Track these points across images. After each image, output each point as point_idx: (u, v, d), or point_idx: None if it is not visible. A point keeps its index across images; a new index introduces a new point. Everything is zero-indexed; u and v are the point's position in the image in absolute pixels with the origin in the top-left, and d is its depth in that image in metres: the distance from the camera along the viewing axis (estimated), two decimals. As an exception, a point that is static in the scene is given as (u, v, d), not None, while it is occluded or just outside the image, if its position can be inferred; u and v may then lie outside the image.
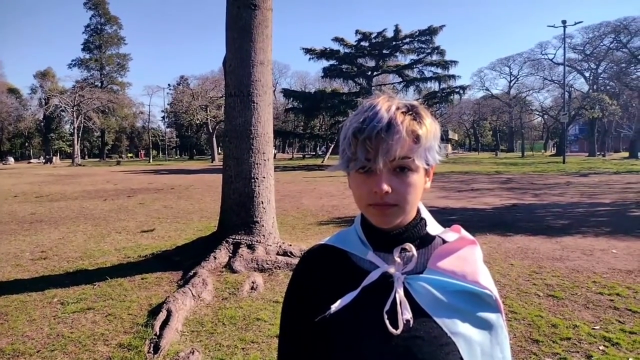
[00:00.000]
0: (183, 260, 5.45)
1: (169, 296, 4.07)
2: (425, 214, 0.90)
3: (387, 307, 0.79)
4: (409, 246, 0.83)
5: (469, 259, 0.87)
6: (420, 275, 0.83)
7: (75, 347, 3.33)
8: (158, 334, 3.40)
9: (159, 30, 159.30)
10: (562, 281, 4.84)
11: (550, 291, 4.51)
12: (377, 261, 0.84)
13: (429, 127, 0.82)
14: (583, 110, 46.73)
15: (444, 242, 0.89)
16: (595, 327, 3.61)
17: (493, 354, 0.81)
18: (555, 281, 4.84)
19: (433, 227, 0.90)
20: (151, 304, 4.12)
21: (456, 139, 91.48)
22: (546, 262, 5.62)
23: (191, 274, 4.73)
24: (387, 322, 0.77)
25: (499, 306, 0.85)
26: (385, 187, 0.77)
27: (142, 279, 4.95)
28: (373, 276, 0.82)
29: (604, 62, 52.36)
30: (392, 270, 0.82)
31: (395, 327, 0.77)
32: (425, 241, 0.88)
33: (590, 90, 51.53)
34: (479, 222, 8.52)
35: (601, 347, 3.26)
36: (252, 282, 4.63)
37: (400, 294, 0.80)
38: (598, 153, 51.55)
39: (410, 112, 0.81)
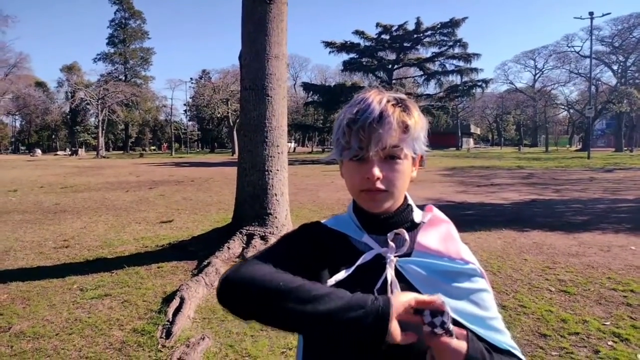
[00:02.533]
0: (198, 250, 5.57)
1: (182, 284, 4.19)
2: (411, 202, 0.98)
3: (378, 285, 0.86)
4: (402, 231, 0.90)
5: (450, 238, 0.93)
6: (410, 257, 0.90)
7: (92, 331, 3.47)
8: (171, 320, 3.51)
9: (181, 24, 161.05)
10: (576, 277, 4.79)
11: (563, 286, 4.47)
12: (371, 243, 0.92)
13: (417, 119, 0.89)
14: (610, 104, 45.54)
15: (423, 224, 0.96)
16: (606, 323, 3.57)
17: (484, 316, 0.87)
18: (568, 277, 4.79)
19: (417, 213, 0.98)
20: (165, 292, 4.25)
21: (478, 133, 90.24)
22: (561, 258, 5.56)
23: (205, 263, 4.85)
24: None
25: (483, 275, 0.91)
26: (377, 173, 0.85)
27: (158, 267, 5.09)
28: (367, 257, 0.90)
29: (633, 55, 50.80)
30: (384, 252, 0.89)
31: None
32: (412, 226, 0.95)
33: (618, 84, 50.11)
34: (495, 217, 8.44)
35: (610, 343, 3.23)
36: (264, 273, 4.71)
37: (391, 274, 0.87)
38: (625, 148, 50.14)
39: (399, 105, 0.88)
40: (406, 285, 0.86)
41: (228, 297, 0.84)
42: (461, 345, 0.77)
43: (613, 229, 7.33)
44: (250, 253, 5.21)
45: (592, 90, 43.04)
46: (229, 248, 5.25)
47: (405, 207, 0.96)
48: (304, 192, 12.94)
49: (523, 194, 12.42)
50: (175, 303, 3.75)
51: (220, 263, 4.84)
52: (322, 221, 1.03)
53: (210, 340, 3.22)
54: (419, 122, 0.89)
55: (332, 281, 0.87)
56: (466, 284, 0.88)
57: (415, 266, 0.88)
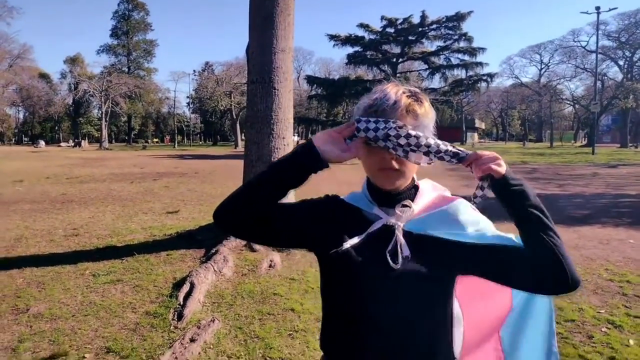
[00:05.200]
0: (205, 239, 5.71)
1: (192, 270, 4.33)
2: (418, 183, 1.12)
3: (389, 247, 1.02)
4: (409, 202, 1.06)
5: (443, 200, 1.12)
6: (413, 220, 1.06)
7: (106, 313, 3.62)
8: (182, 303, 3.66)
9: (184, 16, 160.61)
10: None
11: (561, 277, 4.59)
12: (381, 214, 1.07)
13: (427, 110, 1.03)
14: (616, 100, 45.32)
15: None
16: (601, 311, 3.70)
17: (486, 229, 1.07)
18: (567, 268, 4.91)
19: (424, 193, 1.12)
20: (175, 278, 4.39)
21: (483, 127, 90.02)
22: (560, 250, 5.66)
23: (213, 251, 4.99)
24: (389, 258, 1.00)
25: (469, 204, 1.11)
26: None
27: (167, 255, 5.24)
28: (376, 225, 1.05)
29: (639, 50, 50.49)
30: (393, 220, 1.05)
31: (395, 262, 1.00)
32: (416, 201, 1.09)
33: (625, 79, 49.81)
34: (497, 211, 8.50)
35: (604, 329, 3.36)
36: (270, 261, 4.85)
37: (400, 238, 1.02)
38: (630, 144, 49.96)
39: (412, 96, 1.03)
40: (420, 250, 1.02)
41: (219, 212, 1.08)
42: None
43: (613, 223, 7.43)
44: (257, 242, 5.35)
45: (597, 86, 42.83)
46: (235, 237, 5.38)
47: (412, 187, 1.10)
48: (306, 185, 13.03)
49: (525, 188, 12.50)
50: (185, 288, 3.89)
51: (228, 251, 4.98)
52: (341, 196, 1.18)
53: (219, 323, 3.37)
54: (429, 113, 1.03)
55: (347, 245, 1.02)
56: (462, 217, 1.06)
57: (419, 223, 1.05)
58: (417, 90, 1.06)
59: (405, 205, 1.05)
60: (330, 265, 1.09)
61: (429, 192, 1.12)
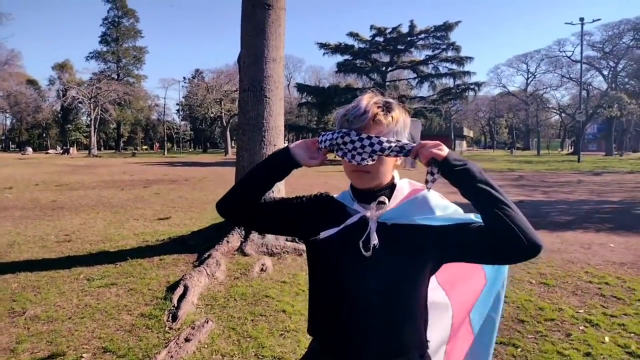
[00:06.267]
0: (198, 244, 5.80)
1: (185, 274, 4.42)
2: (397, 180, 1.26)
3: (363, 238, 1.16)
4: (384, 198, 1.19)
5: (412, 190, 1.26)
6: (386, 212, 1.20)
7: (102, 315, 3.70)
8: (176, 305, 3.76)
9: (174, 23, 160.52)
10: (555, 270, 5.09)
11: (543, 279, 4.77)
12: (359, 209, 1.21)
13: (396, 118, 1.16)
14: (601, 108, 46.12)
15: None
16: (579, 311, 3.87)
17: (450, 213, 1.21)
18: (549, 270, 5.09)
19: (401, 190, 1.25)
20: (169, 281, 4.48)
21: (471, 135, 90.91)
22: (543, 254, 5.81)
23: (206, 255, 5.09)
24: (361, 247, 1.14)
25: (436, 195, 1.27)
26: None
27: (160, 259, 5.32)
28: (354, 218, 1.20)
29: (623, 60, 51.59)
30: (368, 214, 1.19)
31: (367, 250, 1.14)
32: (394, 198, 1.23)
33: (609, 89, 50.80)
34: (483, 216, 8.72)
35: (581, 328, 3.52)
36: (262, 265, 4.96)
37: (372, 229, 1.16)
38: (615, 152, 50.89)
39: (382, 106, 1.16)
40: (392, 238, 1.15)
41: (220, 203, 1.30)
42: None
43: (595, 228, 7.66)
44: (249, 247, 5.46)
45: (583, 95, 43.66)
46: (228, 242, 5.49)
47: (391, 185, 1.24)
48: (297, 192, 13.01)
49: (511, 195, 12.69)
50: (179, 290, 3.99)
51: (220, 255, 5.08)
52: (332, 194, 1.34)
53: (213, 324, 3.47)
54: (398, 121, 1.16)
55: (324, 234, 1.18)
56: (431, 202, 1.20)
57: (393, 214, 1.18)
58: (391, 100, 1.19)
59: (381, 202, 1.19)
60: (313, 253, 1.27)
61: (406, 189, 1.25)
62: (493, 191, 1.06)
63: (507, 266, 1.45)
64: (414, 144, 1.12)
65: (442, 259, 1.20)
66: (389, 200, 1.20)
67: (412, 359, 1.19)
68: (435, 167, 1.10)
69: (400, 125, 1.17)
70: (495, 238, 1.06)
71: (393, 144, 1.11)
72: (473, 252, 1.15)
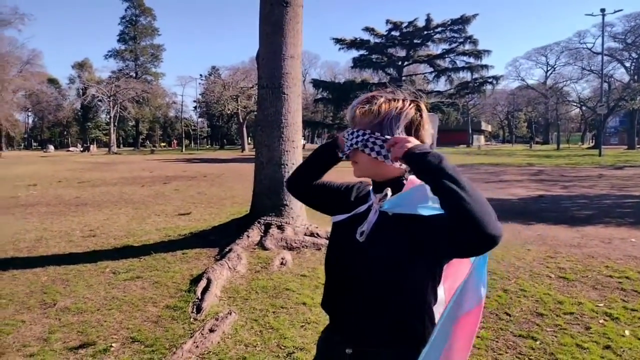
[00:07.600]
0: (219, 239, 5.93)
1: (208, 267, 4.55)
2: (407, 175, 1.30)
3: (362, 224, 1.26)
4: (387, 190, 1.28)
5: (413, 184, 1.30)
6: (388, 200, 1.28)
7: (129, 307, 3.83)
8: (200, 298, 3.87)
9: (191, 21, 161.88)
10: (575, 265, 5.07)
11: (562, 273, 4.76)
12: (372, 198, 1.31)
13: (382, 110, 1.22)
14: (623, 101, 45.10)
15: None
16: (599, 305, 3.87)
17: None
18: (568, 265, 5.07)
19: (410, 182, 1.30)
20: (192, 274, 4.60)
21: (490, 130, 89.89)
22: (563, 249, 5.83)
23: (227, 249, 5.20)
24: (358, 233, 1.25)
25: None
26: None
27: (183, 254, 5.46)
28: (362, 207, 1.31)
29: (646, 52, 50.32)
30: (373, 203, 1.29)
31: (361, 236, 1.24)
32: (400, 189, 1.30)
33: (631, 81, 49.62)
34: (502, 212, 8.68)
35: (601, 321, 3.52)
36: (282, 259, 5.06)
37: (370, 217, 1.26)
38: (638, 146, 49.71)
39: (366, 103, 1.25)
40: (390, 228, 1.22)
41: (290, 185, 1.53)
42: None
43: (616, 223, 7.57)
44: (268, 241, 5.56)
45: (604, 87, 42.74)
46: (248, 236, 5.60)
47: (400, 177, 1.28)
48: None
49: (531, 190, 12.64)
50: (202, 283, 4.11)
51: (241, 249, 5.19)
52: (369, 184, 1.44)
53: (236, 315, 3.57)
54: (382, 114, 1.21)
55: (334, 219, 1.35)
56: (429, 192, 1.19)
57: (395, 203, 1.24)
58: (382, 95, 1.24)
59: (386, 193, 1.27)
60: (330, 234, 1.42)
61: (416, 182, 1.29)
62: (451, 183, 1.03)
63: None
64: (389, 138, 1.19)
65: (438, 252, 1.18)
66: (394, 192, 1.27)
67: (406, 351, 1.20)
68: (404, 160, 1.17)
69: (386, 120, 1.21)
70: (453, 230, 1.05)
71: (369, 137, 1.21)
72: (444, 245, 1.14)
